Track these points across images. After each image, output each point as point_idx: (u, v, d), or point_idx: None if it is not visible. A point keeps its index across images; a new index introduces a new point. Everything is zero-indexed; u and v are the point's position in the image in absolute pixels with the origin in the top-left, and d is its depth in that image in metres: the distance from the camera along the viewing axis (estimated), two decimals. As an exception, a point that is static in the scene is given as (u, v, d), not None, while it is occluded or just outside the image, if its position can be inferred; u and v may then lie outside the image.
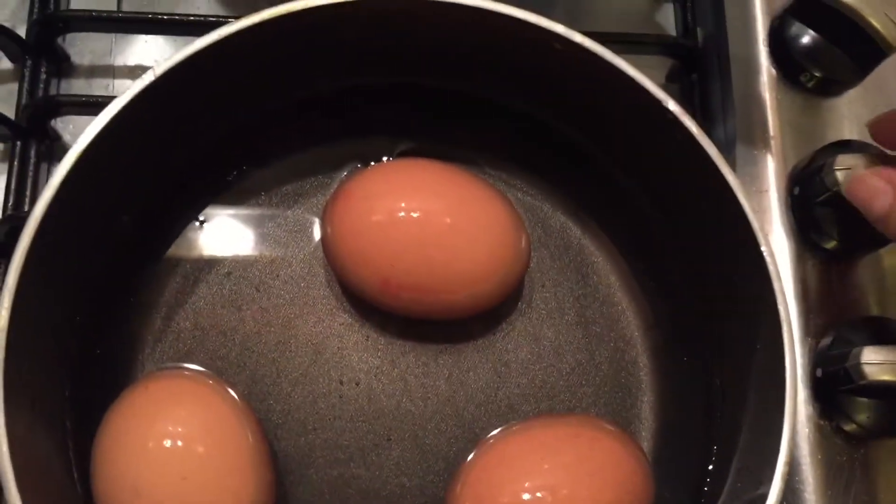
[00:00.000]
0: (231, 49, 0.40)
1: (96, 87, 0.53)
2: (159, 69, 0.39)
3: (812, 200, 0.46)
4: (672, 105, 0.38)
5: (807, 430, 0.44)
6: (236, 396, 0.41)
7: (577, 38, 0.38)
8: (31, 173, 0.50)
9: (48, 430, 0.38)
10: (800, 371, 0.39)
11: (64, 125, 0.52)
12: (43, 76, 0.52)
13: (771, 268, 0.36)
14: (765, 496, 0.34)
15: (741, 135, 0.49)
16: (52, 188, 0.37)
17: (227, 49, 0.40)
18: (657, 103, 0.38)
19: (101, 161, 0.38)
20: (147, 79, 0.38)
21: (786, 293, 0.37)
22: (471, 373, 0.44)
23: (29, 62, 0.52)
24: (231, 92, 0.43)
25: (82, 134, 0.38)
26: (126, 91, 0.38)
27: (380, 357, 0.44)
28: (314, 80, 0.45)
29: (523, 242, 0.43)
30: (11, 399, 0.34)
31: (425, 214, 0.42)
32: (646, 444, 0.44)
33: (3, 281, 0.47)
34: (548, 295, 0.46)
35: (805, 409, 0.44)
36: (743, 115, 0.50)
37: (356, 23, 0.41)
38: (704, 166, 0.38)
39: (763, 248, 0.37)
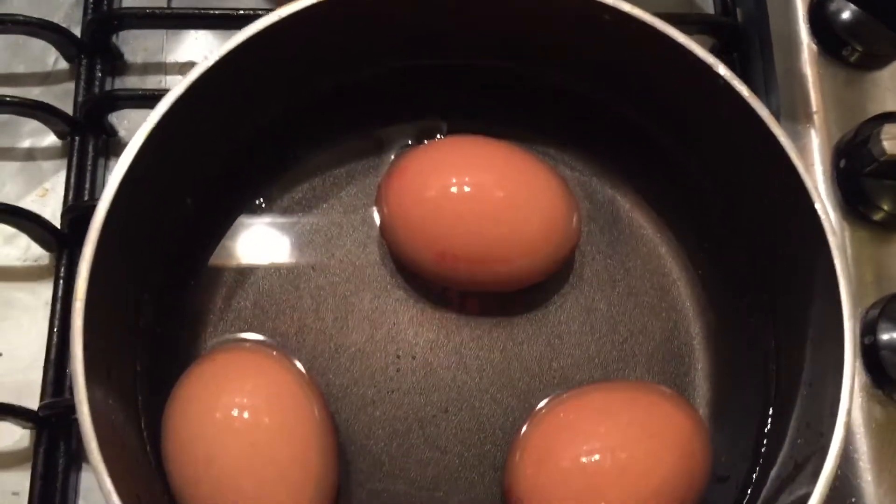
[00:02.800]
0: (283, 33, 0.41)
1: (149, 84, 0.55)
2: (216, 55, 0.40)
3: (859, 172, 0.46)
4: (723, 69, 0.39)
5: (860, 398, 0.44)
6: (301, 367, 0.42)
7: (626, 7, 0.39)
8: (89, 168, 0.51)
9: (122, 402, 0.39)
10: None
11: (119, 121, 0.53)
12: (98, 74, 0.54)
13: (825, 223, 0.37)
14: (826, 447, 0.34)
15: (784, 111, 0.50)
16: (120, 171, 0.38)
17: (279, 33, 0.41)
18: (707, 69, 0.39)
19: (164, 144, 0.40)
20: (206, 64, 0.40)
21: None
22: (525, 345, 0.45)
23: (84, 61, 0.53)
24: (285, 75, 0.45)
25: (147, 118, 0.39)
26: (186, 76, 0.39)
27: (435, 331, 0.45)
28: (365, 62, 0.46)
29: (574, 214, 0.43)
30: (91, 366, 0.35)
31: (478, 189, 0.42)
32: (701, 411, 0.44)
33: (69, 269, 0.49)
34: (599, 268, 0.46)
35: (858, 378, 0.44)
36: (786, 92, 0.50)
37: (406, 3, 0.42)
38: (756, 129, 0.38)
39: (817, 205, 0.37)
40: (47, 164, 0.53)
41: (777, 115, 0.49)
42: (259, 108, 0.46)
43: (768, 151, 0.39)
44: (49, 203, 0.52)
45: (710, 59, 0.39)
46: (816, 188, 0.37)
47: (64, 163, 0.52)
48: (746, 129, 0.39)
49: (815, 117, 0.49)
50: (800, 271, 0.40)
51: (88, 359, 0.35)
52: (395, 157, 0.47)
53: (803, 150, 0.48)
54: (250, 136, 0.46)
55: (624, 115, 0.47)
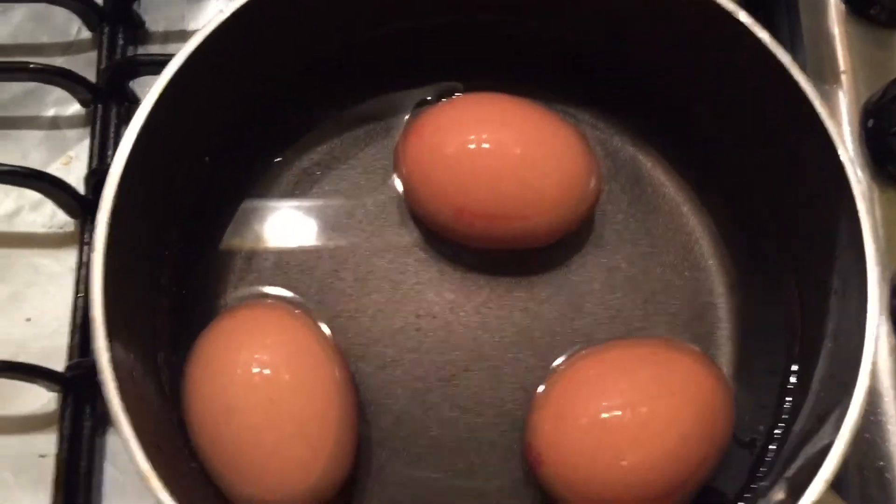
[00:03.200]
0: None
1: (171, 52, 0.54)
2: (230, 7, 0.40)
3: (887, 131, 0.46)
4: (743, 16, 0.38)
5: (889, 361, 0.43)
6: (322, 325, 0.42)
7: (643, -45, 0.38)
8: (112, 135, 0.52)
9: (143, 356, 0.39)
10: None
11: (141, 88, 0.53)
12: (120, 43, 0.54)
13: (850, 172, 0.36)
14: (850, 395, 0.34)
15: (811, 71, 0.49)
16: (138, 122, 0.38)
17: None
18: (727, 16, 0.38)
19: (179, 101, 0.40)
20: (220, 18, 0.40)
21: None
22: (545, 304, 0.44)
23: (106, 29, 0.54)
24: (302, 31, 0.45)
25: (162, 73, 0.39)
26: (200, 30, 0.40)
27: (455, 291, 0.45)
28: (383, 19, 0.46)
29: (594, 172, 0.43)
30: (111, 319, 0.35)
31: (496, 146, 0.42)
32: (724, 370, 0.43)
33: (93, 235, 0.49)
34: (620, 227, 0.46)
35: (887, 341, 0.44)
36: (813, 52, 0.49)
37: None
38: (777, 77, 0.38)
39: (841, 154, 0.36)
40: (71, 133, 0.53)
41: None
42: (274, 66, 0.46)
43: (791, 100, 0.38)
44: (73, 171, 0.52)
45: (730, 5, 0.38)
46: (841, 135, 0.37)
47: (88, 131, 0.52)
48: (768, 78, 0.39)
49: (843, 77, 0.48)
50: (824, 223, 0.39)
51: (108, 310, 0.35)
52: (414, 115, 0.47)
53: (831, 111, 0.46)
54: (266, 94, 0.46)
55: (644, 72, 0.46)
